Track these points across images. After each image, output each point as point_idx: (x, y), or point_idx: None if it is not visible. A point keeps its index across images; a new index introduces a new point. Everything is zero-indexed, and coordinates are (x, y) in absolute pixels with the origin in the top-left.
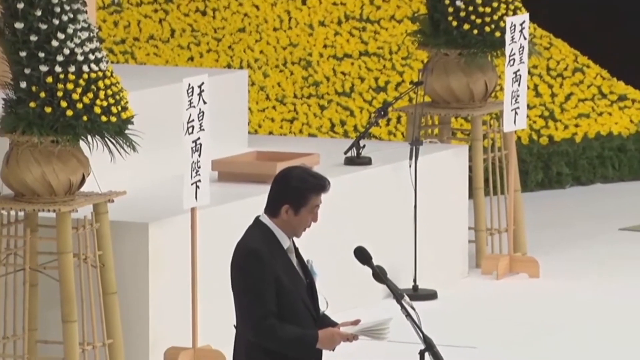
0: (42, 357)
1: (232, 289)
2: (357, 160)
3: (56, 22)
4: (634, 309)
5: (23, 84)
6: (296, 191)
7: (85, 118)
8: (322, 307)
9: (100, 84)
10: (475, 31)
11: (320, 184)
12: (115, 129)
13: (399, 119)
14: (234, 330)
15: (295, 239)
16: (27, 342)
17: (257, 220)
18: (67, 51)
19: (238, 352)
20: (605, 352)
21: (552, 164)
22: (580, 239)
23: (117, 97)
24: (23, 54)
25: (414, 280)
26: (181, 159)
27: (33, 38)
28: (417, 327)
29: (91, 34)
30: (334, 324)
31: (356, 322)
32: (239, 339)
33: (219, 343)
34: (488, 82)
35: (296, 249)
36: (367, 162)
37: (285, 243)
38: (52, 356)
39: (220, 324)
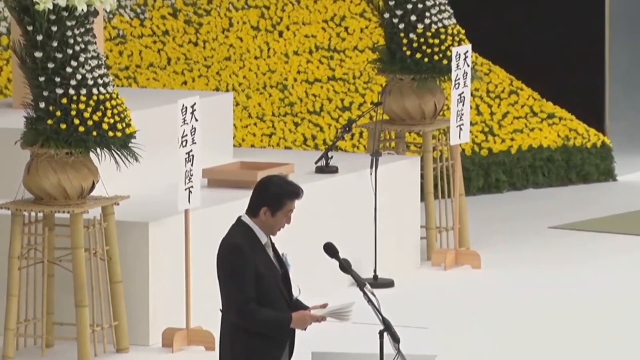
0: (57, 336)
1: (217, 278)
2: (326, 169)
3: (70, 51)
4: (560, 295)
5: (42, 104)
6: (274, 196)
7: (94, 133)
8: (295, 293)
9: (108, 104)
10: (426, 59)
11: (294, 192)
12: (120, 142)
13: (361, 134)
14: (220, 314)
15: (271, 236)
16: (45, 323)
17: (239, 219)
18: (79, 76)
19: (223, 333)
20: (535, 331)
21: (491, 172)
22: (515, 236)
23: (122, 115)
24: (42, 78)
25: (374, 271)
26: (176, 168)
27: (50, 65)
28: (377, 310)
29: (100, 62)
30: (305, 308)
31: (324, 306)
32: (224, 321)
33: (208, 324)
34: (437, 102)
35: (272, 244)
36: (334, 170)
37: (263, 239)
38: (66, 336)
39: (209, 308)
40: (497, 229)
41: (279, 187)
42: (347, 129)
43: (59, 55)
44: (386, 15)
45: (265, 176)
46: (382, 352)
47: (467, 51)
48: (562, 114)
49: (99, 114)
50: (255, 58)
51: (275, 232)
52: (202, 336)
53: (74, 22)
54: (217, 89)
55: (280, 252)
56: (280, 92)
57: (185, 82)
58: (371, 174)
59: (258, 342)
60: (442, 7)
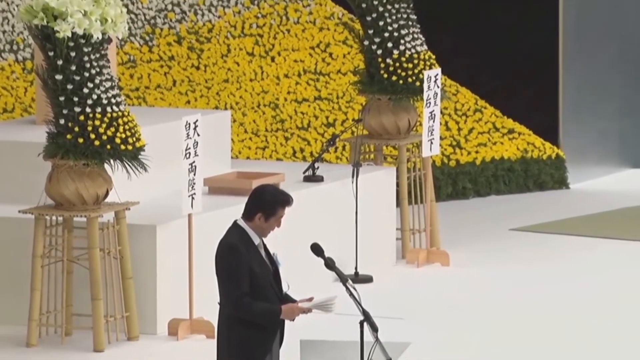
0: (75, 326)
1: (216, 274)
2: (312, 178)
3: (87, 74)
4: (519, 289)
5: (62, 121)
6: (268, 204)
7: (108, 147)
8: (284, 288)
9: (120, 121)
10: (401, 82)
11: (286, 200)
12: (131, 154)
13: (344, 147)
14: (218, 307)
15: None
16: (64, 315)
17: (235, 223)
18: (95, 96)
19: (221, 323)
20: (498, 320)
21: (459, 181)
22: (480, 237)
23: (133, 131)
24: (62, 98)
25: (355, 268)
26: (180, 177)
27: (69, 86)
28: (358, 303)
29: (113, 84)
30: (293, 301)
31: (310, 299)
32: (222, 313)
33: (209, 315)
34: (410, 119)
35: (264, 245)
36: (320, 179)
37: (256, 240)
38: (83, 325)
39: (210, 301)
40: (464, 231)
41: (273, 195)
42: (332, 142)
43: (77, 78)
44: (366, 43)
45: (260, 185)
46: (362, 340)
47: (437, 74)
48: (521, 130)
49: (113, 129)
50: (250, 80)
51: (267, 234)
52: (203, 326)
53: (90, 49)
54: (216, 108)
55: (271, 252)
56: (273, 110)
57: (188, 102)
58: (353, 182)
59: (252, 332)
60: (415, 36)
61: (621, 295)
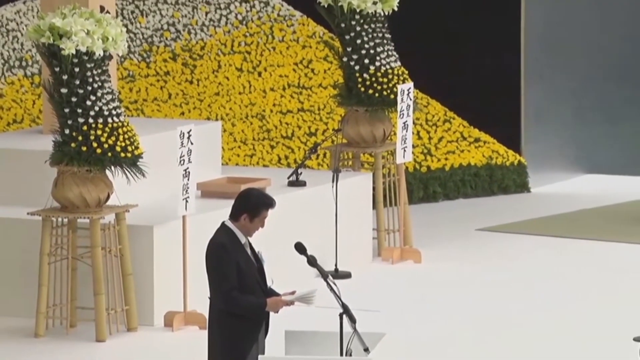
0: (79, 318)
1: (207, 271)
2: (296, 183)
3: (89, 88)
4: (485, 281)
5: (66, 131)
6: (253, 206)
7: (109, 154)
8: (268, 283)
9: (120, 130)
10: (377, 95)
11: (269, 203)
12: (130, 161)
13: (325, 154)
14: (208, 301)
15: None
16: (69, 308)
17: (223, 224)
18: (97, 108)
19: (212, 316)
20: (467, 310)
21: (429, 185)
22: (449, 236)
23: (132, 139)
24: (66, 110)
25: (335, 265)
26: (175, 182)
27: (73, 99)
28: (338, 297)
29: (113, 97)
30: (277, 294)
31: (292, 293)
32: (212, 307)
33: (201, 308)
34: (385, 129)
35: (250, 244)
36: (303, 184)
37: (243, 240)
38: (86, 318)
39: (202, 296)
40: (434, 231)
41: (258, 198)
42: (314, 150)
43: (81, 91)
44: (345, 59)
45: (246, 188)
46: (341, 331)
47: (409, 88)
48: (486, 139)
49: (113, 138)
50: (239, 93)
51: (252, 234)
52: (196, 318)
53: (93, 65)
54: (208, 118)
55: (257, 250)
56: (259, 121)
57: (182, 113)
58: (333, 187)
59: (240, 323)
60: (390, 53)
61: (573, 288)
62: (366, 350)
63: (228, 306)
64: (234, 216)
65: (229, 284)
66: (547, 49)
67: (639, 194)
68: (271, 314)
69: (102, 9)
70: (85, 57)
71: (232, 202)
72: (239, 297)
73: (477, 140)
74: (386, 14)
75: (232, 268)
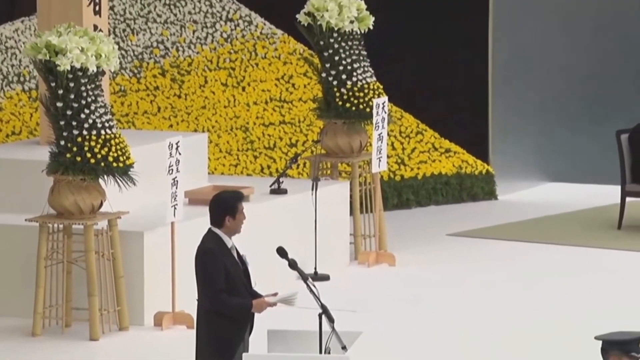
0: (74, 318)
1: (195, 275)
2: (278, 191)
3: (83, 102)
4: (455, 284)
5: (62, 142)
6: (230, 205)
7: (102, 164)
8: (253, 285)
9: (113, 142)
10: (354, 108)
11: (240, 195)
12: (122, 171)
13: (305, 164)
14: (196, 302)
15: (235, 242)
16: (64, 309)
17: (210, 230)
18: (90, 121)
19: (200, 317)
20: (439, 310)
21: (403, 193)
22: (421, 241)
23: (124, 150)
24: (62, 122)
25: (315, 268)
26: (164, 190)
27: (68, 112)
28: (317, 298)
29: (106, 110)
30: (260, 296)
31: (275, 294)
32: (200, 308)
33: (189, 309)
34: (362, 140)
35: (236, 247)
36: (284, 192)
37: (229, 244)
38: (81, 318)
39: (190, 297)
40: (408, 236)
41: (230, 197)
42: (294, 160)
43: (75, 105)
44: (323, 75)
45: (213, 196)
46: (320, 330)
47: (384, 102)
48: (456, 149)
49: (106, 149)
50: (225, 107)
51: (240, 229)
52: (184, 318)
53: (86, 80)
54: (195, 131)
55: (242, 253)
56: (243, 133)
57: (171, 125)
58: (312, 194)
59: (227, 323)
60: (366, 69)
61: (538, 289)
62: (344, 348)
63: (217, 307)
64: (217, 222)
65: (218, 286)
66: (513, 67)
67: (598, 201)
68: (256, 315)
69: (95, 27)
70: (80, 73)
71: None
72: (227, 299)
73: (447, 150)
74: (362, 32)
75: (221, 272)
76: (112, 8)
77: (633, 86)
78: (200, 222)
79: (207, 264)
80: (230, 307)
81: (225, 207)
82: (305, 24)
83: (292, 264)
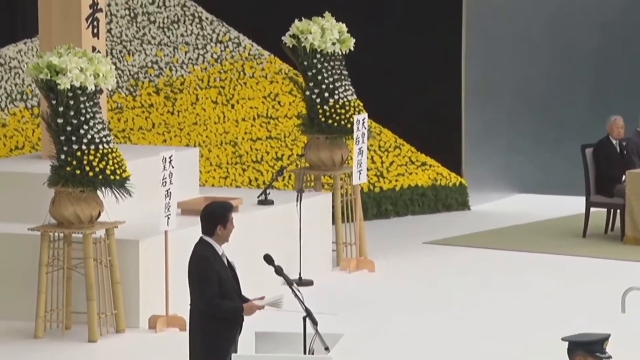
0: (74, 321)
1: (189, 281)
2: (265, 202)
3: (82, 118)
4: (431, 289)
5: (62, 156)
6: (220, 215)
7: (100, 177)
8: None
9: (110, 156)
10: (336, 124)
11: (230, 205)
12: (119, 183)
13: (290, 177)
14: (188, 306)
15: (225, 248)
16: (64, 312)
17: (202, 239)
18: (89, 136)
19: (193, 320)
20: (415, 312)
21: (382, 203)
22: (399, 249)
23: (120, 164)
24: (62, 138)
25: (299, 274)
26: (158, 201)
27: (68, 128)
28: (301, 302)
29: (104, 126)
30: (248, 300)
31: (262, 298)
32: (194, 311)
33: (182, 312)
34: (343, 154)
35: (225, 255)
36: (271, 203)
37: (220, 251)
38: (80, 321)
39: (182, 301)
40: (386, 244)
41: (220, 207)
42: (280, 173)
43: (75, 121)
44: (307, 93)
45: (204, 207)
46: (305, 332)
47: (364, 118)
48: (432, 163)
49: (104, 163)
50: (215, 123)
51: (229, 239)
52: (177, 321)
53: (85, 98)
54: (187, 145)
55: (230, 260)
56: (232, 147)
57: (165, 140)
58: (297, 205)
59: (221, 326)
60: (347, 87)
61: (507, 293)
62: (326, 349)
63: (211, 311)
64: (209, 232)
65: (213, 291)
66: (483, 87)
67: (564, 211)
68: (246, 318)
69: (93, 49)
70: (79, 91)
71: None
72: (220, 302)
73: (423, 164)
74: (344, 53)
75: (215, 278)
76: (109, 30)
77: (590, 104)
78: (192, 231)
79: (203, 271)
80: (224, 310)
81: (216, 217)
82: (290, 46)
83: (278, 270)
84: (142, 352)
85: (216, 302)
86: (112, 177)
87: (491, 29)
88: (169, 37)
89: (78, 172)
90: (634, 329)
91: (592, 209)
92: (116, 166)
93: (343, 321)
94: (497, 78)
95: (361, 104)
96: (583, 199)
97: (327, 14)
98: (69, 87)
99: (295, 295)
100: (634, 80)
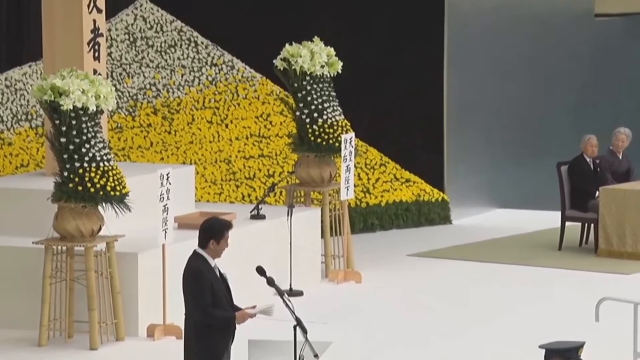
0: (76, 330)
1: (183, 291)
2: (257, 216)
3: (84, 138)
4: (415, 298)
5: (65, 174)
6: (217, 231)
7: (101, 193)
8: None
9: (110, 173)
10: (324, 143)
11: (228, 224)
12: (119, 199)
13: (281, 193)
14: (183, 316)
15: (218, 261)
16: (67, 321)
17: (195, 252)
18: (91, 154)
19: (188, 329)
20: (400, 323)
21: (368, 218)
22: (384, 260)
23: (120, 180)
24: (65, 156)
25: (290, 285)
26: (156, 215)
27: (71, 147)
28: (292, 311)
29: (104, 145)
30: (239, 308)
31: (253, 307)
32: (189, 321)
33: (178, 321)
34: (331, 171)
35: (217, 266)
36: (263, 217)
37: (212, 263)
38: (82, 330)
39: (179, 311)
40: (372, 256)
41: (218, 224)
42: (272, 189)
43: (77, 140)
44: (297, 113)
45: (205, 220)
46: (295, 340)
47: (351, 137)
48: (415, 179)
49: (104, 179)
50: (210, 142)
51: (221, 254)
52: (174, 330)
53: (87, 118)
54: (184, 163)
55: (222, 271)
56: (226, 165)
57: (162, 158)
58: (288, 220)
59: (215, 333)
60: (335, 108)
61: (488, 303)
62: (316, 356)
63: (205, 319)
64: (202, 244)
65: (206, 301)
66: (464, 108)
67: (541, 225)
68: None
69: (94, 71)
70: (81, 112)
71: None
72: (213, 311)
73: (407, 180)
74: (332, 75)
75: (208, 288)
76: (109, 54)
77: (566, 124)
78: (188, 244)
79: (196, 282)
80: (217, 319)
81: (212, 231)
82: (281, 68)
83: (270, 281)
84: (140, 359)
85: (209, 311)
86: (112, 193)
87: (471, 52)
88: (166, 61)
89: (80, 188)
90: (607, 337)
91: (567, 223)
92: (116, 183)
93: (332, 329)
94: (477, 99)
95: (348, 124)
96: (559, 213)
97: (316, 39)
98: (71, 107)
99: (286, 305)
100: (606, 101)
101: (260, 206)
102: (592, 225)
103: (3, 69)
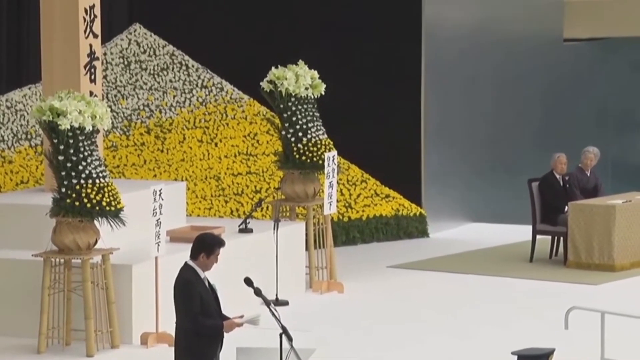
0: (73, 338)
1: (174, 301)
2: (245, 230)
3: (81, 156)
4: (394, 307)
5: (63, 190)
6: (208, 245)
7: (97, 208)
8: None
9: (106, 189)
10: (309, 160)
11: (221, 242)
12: (114, 213)
13: (267, 207)
14: (174, 325)
15: (208, 273)
16: (65, 330)
17: (186, 263)
18: (87, 172)
19: (178, 337)
20: (381, 332)
21: (350, 232)
22: (365, 272)
23: (115, 196)
24: (63, 173)
25: (276, 295)
26: (149, 229)
27: (68, 165)
28: (278, 320)
29: (100, 162)
30: (227, 318)
31: (241, 316)
32: (179, 329)
33: (170, 330)
34: (315, 187)
35: (207, 278)
36: (251, 231)
37: (202, 275)
38: (79, 337)
39: (171, 320)
40: (354, 268)
41: (211, 239)
42: (259, 204)
43: (74, 158)
44: (283, 132)
45: (200, 233)
46: (281, 347)
47: (334, 155)
48: (395, 195)
49: (100, 195)
50: (200, 160)
51: (210, 268)
52: (166, 337)
53: (84, 137)
54: (175, 180)
55: (212, 282)
56: (216, 181)
57: (155, 175)
58: (274, 233)
59: (203, 341)
60: (319, 127)
61: (463, 312)
62: None
63: (194, 328)
64: (193, 256)
65: (195, 310)
66: (441, 128)
67: (513, 238)
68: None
69: (91, 93)
70: (78, 131)
71: None
72: (203, 320)
73: (387, 196)
74: (316, 97)
75: (198, 298)
76: (105, 77)
77: (536, 143)
78: (180, 256)
79: (186, 293)
80: (206, 327)
81: (204, 245)
82: (268, 90)
83: (257, 292)
84: None
85: (199, 320)
86: (107, 208)
87: (446, 78)
88: (159, 83)
89: (77, 203)
90: (576, 344)
91: (538, 237)
92: (111, 198)
93: (315, 337)
94: (453, 121)
95: (331, 143)
96: (530, 227)
97: (300, 62)
98: (69, 127)
99: (273, 314)
100: (575, 121)
101: (248, 220)
102: (562, 238)
103: (4, 91)
